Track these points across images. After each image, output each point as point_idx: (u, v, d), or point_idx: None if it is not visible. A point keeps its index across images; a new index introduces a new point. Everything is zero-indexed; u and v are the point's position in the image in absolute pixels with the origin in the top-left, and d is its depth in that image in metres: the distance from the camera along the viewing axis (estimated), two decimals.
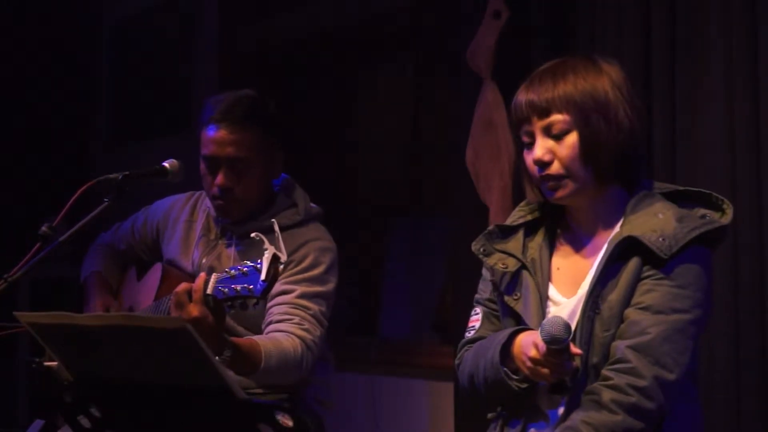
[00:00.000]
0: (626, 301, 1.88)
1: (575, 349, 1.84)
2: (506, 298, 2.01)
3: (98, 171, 2.41)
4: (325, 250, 2.57)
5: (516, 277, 2.01)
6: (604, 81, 1.93)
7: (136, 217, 2.86)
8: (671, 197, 1.99)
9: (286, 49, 4.42)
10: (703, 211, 1.95)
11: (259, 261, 2.03)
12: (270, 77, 4.43)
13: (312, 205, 2.68)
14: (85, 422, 1.80)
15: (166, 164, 2.53)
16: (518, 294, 2.00)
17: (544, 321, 1.83)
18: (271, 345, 2.35)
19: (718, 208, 1.95)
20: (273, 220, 2.15)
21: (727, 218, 1.92)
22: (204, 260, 2.62)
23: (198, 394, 1.60)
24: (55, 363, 2.29)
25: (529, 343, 1.87)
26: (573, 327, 1.88)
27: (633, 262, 1.88)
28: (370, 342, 3.79)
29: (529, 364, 1.86)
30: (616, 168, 1.94)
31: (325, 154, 4.26)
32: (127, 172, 2.40)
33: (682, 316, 1.85)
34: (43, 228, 2.26)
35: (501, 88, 3.03)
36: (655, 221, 1.89)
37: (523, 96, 1.95)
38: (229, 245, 2.62)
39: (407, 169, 4.05)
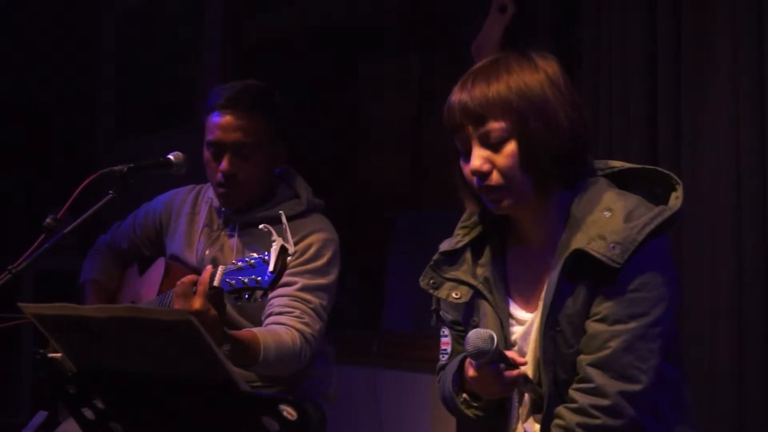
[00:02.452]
0: (586, 314, 1.80)
1: (516, 357, 1.81)
2: (465, 328, 1.95)
3: (103, 163, 2.42)
4: (327, 242, 2.57)
5: (471, 303, 1.93)
6: (540, 77, 1.80)
7: (137, 213, 2.87)
8: (618, 178, 1.88)
9: (290, 42, 4.42)
10: (655, 190, 1.85)
11: (266, 252, 2.03)
12: (274, 70, 4.43)
13: (314, 197, 2.69)
14: (88, 414, 1.80)
15: (171, 156, 2.54)
16: (476, 320, 1.92)
17: (468, 335, 1.78)
18: (270, 338, 2.36)
19: (667, 184, 1.85)
20: (281, 211, 2.15)
21: (678, 200, 1.81)
22: (207, 252, 2.63)
23: (202, 386, 1.60)
24: (59, 354, 2.30)
25: (468, 365, 1.85)
26: (534, 346, 1.85)
27: (587, 275, 1.78)
28: (373, 335, 3.79)
29: (474, 384, 1.84)
30: (557, 171, 1.82)
31: (329, 147, 4.26)
32: (131, 164, 2.41)
33: (641, 322, 1.75)
34: (48, 220, 2.26)
35: None
36: (603, 222, 1.77)
37: (456, 98, 1.84)
38: (231, 236, 2.63)
39: (410, 163, 4.05)
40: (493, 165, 1.81)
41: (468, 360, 1.83)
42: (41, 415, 2.52)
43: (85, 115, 5.19)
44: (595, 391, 1.76)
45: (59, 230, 2.25)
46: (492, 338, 1.76)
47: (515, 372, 1.82)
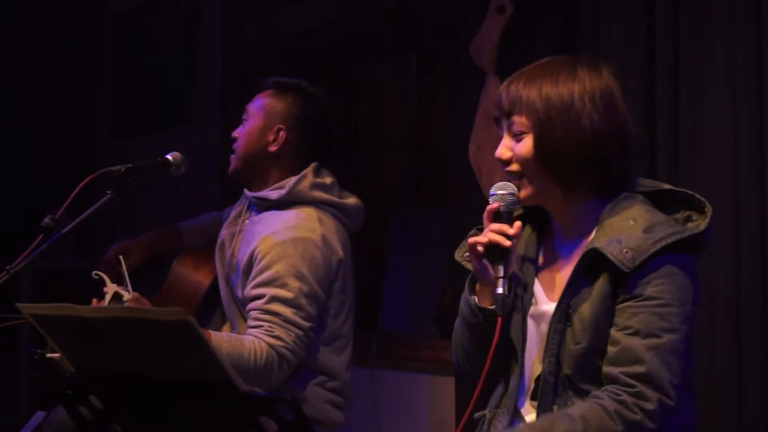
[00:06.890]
0: (600, 315, 1.85)
1: (516, 223, 1.91)
2: None
3: (101, 163, 2.42)
4: (296, 242, 2.52)
5: None
6: (573, 88, 1.90)
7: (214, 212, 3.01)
8: (655, 197, 1.96)
9: (289, 42, 4.42)
10: (687, 213, 1.93)
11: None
12: (273, 70, 4.43)
13: (323, 194, 2.70)
14: (86, 414, 1.80)
15: (169, 157, 2.55)
16: None
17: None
18: (226, 344, 2.37)
19: (701, 210, 1.93)
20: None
21: (703, 224, 1.89)
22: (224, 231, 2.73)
23: (199, 386, 1.60)
24: (57, 354, 2.30)
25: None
26: (545, 338, 1.91)
27: (603, 275, 1.86)
28: (371, 336, 3.79)
29: (476, 237, 1.92)
30: (581, 173, 1.91)
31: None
32: (129, 165, 2.41)
33: (672, 336, 1.82)
34: (46, 220, 2.26)
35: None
36: (624, 229, 1.86)
37: (498, 94, 1.99)
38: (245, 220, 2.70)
39: (408, 163, 4.05)
40: (513, 154, 1.95)
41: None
42: (39, 416, 2.52)
43: (84, 114, 5.19)
44: (640, 395, 1.80)
45: (57, 230, 2.25)
46: (516, 197, 1.93)
47: (508, 228, 1.90)
